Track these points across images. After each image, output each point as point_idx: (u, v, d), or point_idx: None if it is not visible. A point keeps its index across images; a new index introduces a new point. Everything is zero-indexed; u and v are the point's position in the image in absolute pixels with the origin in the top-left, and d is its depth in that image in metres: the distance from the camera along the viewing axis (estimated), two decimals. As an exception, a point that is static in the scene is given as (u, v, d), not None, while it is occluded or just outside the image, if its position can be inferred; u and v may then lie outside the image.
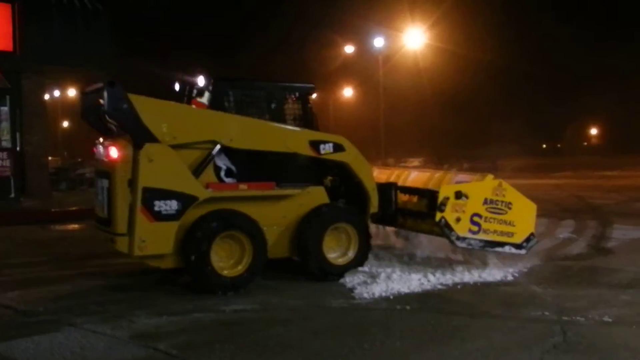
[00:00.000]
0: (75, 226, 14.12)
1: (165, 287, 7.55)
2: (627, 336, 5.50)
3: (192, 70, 8.41)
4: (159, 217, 6.89)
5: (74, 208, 17.74)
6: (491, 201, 8.01)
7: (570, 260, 8.72)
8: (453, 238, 7.87)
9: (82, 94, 8.04)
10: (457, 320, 6.06)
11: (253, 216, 7.36)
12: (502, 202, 8.05)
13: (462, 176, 8.79)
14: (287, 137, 7.81)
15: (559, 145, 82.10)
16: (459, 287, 7.38)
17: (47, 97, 25.67)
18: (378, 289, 7.07)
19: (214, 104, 7.93)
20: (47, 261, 9.36)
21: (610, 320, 5.91)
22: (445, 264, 8.31)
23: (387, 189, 8.60)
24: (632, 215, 14.30)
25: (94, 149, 7.63)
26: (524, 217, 8.19)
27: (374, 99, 42.83)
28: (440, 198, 7.79)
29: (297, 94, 8.45)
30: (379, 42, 35.54)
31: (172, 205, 6.93)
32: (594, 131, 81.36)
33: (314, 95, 8.80)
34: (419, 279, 7.51)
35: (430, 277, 7.62)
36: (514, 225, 8.11)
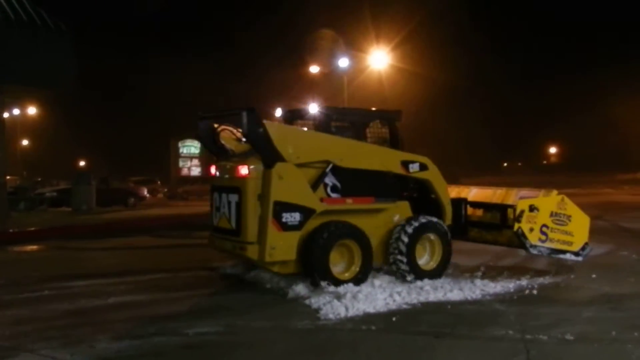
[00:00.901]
0: (34, 247, 13.80)
1: (126, 311, 7.39)
2: (589, 354, 5.58)
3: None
4: (285, 227, 7.81)
5: (32, 228, 17.35)
6: (556, 214, 9.17)
7: (533, 278, 8.82)
8: (527, 246, 8.91)
9: (200, 117, 8.83)
10: (422, 340, 6.07)
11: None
12: (564, 214, 9.25)
13: (525, 192, 9.85)
14: (384, 157, 8.91)
15: (519, 164, 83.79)
16: (424, 306, 7.40)
17: (6, 115, 25.11)
18: (344, 310, 7.04)
19: (322, 128, 8.97)
20: (4, 284, 9.08)
21: (572, 338, 5.99)
22: (411, 283, 8.33)
23: (458, 204, 9.58)
24: (592, 232, 14.57)
25: (211, 168, 8.69)
26: (580, 228, 9.40)
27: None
28: (518, 211, 8.84)
29: (386, 119, 9.56)
30: (343, 62, 35.85)
31: (296, 217, 7.89)
32: (553, 150, 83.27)
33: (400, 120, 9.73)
34: (385, 299, 7.51)
35: (396, 296, 7.63)
36: (572, 235, 9.30)
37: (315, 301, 7.45)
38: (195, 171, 56.86)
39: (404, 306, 7.37)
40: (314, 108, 8.78)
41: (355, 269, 8.20)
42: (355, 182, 8.55)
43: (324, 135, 8.72)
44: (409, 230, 8.56)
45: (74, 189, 27.04)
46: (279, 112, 67.35)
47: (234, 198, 8.01)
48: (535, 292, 8.10)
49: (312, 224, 8.04)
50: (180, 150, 57.49)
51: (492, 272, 9.23)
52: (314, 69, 42.00)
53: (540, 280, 8.79)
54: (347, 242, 8.16)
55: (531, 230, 8.92)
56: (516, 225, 8.83)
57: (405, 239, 8.52)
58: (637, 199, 30.60)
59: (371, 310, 7.13)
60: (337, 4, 74.75)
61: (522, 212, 8.87)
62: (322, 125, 9.05)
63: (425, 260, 8.81)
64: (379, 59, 36.25)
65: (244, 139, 8.30)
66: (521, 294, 8.00)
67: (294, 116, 9.75)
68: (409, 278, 8.45)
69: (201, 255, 12.01)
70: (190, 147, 58.25)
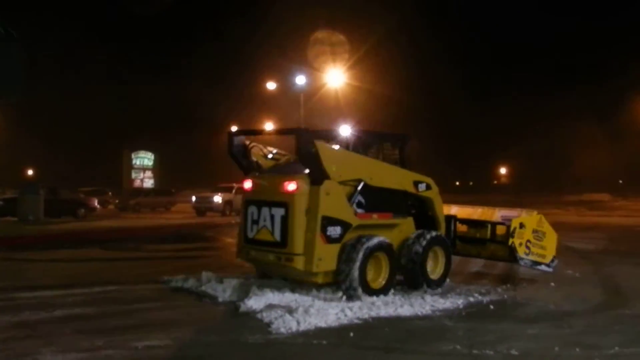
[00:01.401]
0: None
1: (73, 324, 7.22)
2: (533, 369, 5.73)
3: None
4: (329, 240, 8.37)
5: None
6: (536, 231, 10.31)
7: (481, 295, 9.00)
8: (518, 258, 9.98)
9: (233, 134, 9.50)
10: (372, 356, 6.13)
11: None
12: (541, 231, 10.41)
13: (504, 211, 11.02)
14: (401, 177, 9.62)
15: (470, 183, 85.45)
16: (375, 321, 7.47)
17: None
18: (295, 324, 7.05)
19: (354, 149, 9.50)
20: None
21: (517, 353, 6.14)
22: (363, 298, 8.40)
23: (449, 220, 10.33)
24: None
25: (245, 183, 9.09)
26: (551, 243, 10.56)
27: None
28: (512, 228, 9.90)
29: (398, 141, 10.22)
30: (300, 80, 36.05)
31: (338, 230, 8.47)
32: (503, 170, 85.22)
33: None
34: (337, 314, 7.55)
35: (348, 311, 7.68)
36: (545, 250, 10.44)
37: (267, 315, 7.43)
38: (149, 183, 56.02)
39: (356, 321, 7.42)
40: (345, 130, 9.50)
41: (382, 280, 8.78)
42: (377, 199, 9.19)
43: (358, 156, 9.36)
44: (423, 243, 9.24)
45: (20, 198, 26.34)
46: (234, 129, 67.19)
47: (279, 212, 8.42)
48: (483, 308, 8.29)
49: (348, 237, 8.61)
50: (134, 162, 56.56)
51: (444, 288, 9.40)
52: (271, 86, 42.10)
53: (489, 297, 8.97)
54: (379, 254, 8.74)
55: (520, 244, 10.02)
56: (510, 240, 9.84)
57: (420, 251, 9.18)
58: (583, 219, 31.55)
59: (323, 324, 7.16)
60: (292, 23, 75.26)
61: (515, 228, 9.91)
62: (355, 146, 9.63)
63: (431, 270, 9.47)
64: (335, 77, 36.58)
65: (271, 155, 9.45)
66: (470, 310, 8.17)
67: (324, 137, 9.84)
68: (424, 288, 9.11)
69: (152, 268, 11.88)
70: (144, 158, 57.41)
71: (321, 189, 8.32)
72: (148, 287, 9.68)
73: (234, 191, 33.97)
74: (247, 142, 9.44)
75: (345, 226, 8.57)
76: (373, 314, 7.73)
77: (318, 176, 8.39)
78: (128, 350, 6.16)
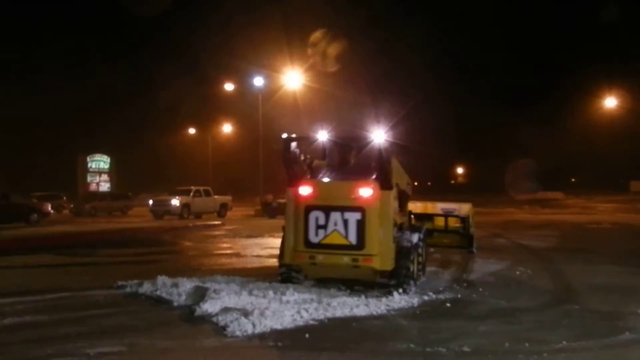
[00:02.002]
0: None
1: (23, 332, 7.06)
2: (483, 365, 5.86)
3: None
4: (393, 240, 9.14)
5: None
6: (470, 219, 12.45)
7: (436, 294, 9.14)
8: (474, 246, 12.26)
9: (286, 140, 9.87)
10: (328, 356, 6.17)
11: None
12: (472, 220, 12.60)
13: (441, 204, 12.78)
14: (405, 180, 10.73)
15: (429, 183, 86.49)
16: (330, 322, 7.51)
17: None
18: (251, 327, 7.03)
19: (343, 152, 10.19)
20: None
21: (468, 350, 6.28)
22: (319, 299, 8.44)
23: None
24: (494, 249, 15.33)
25: (301, 189, 9.11)
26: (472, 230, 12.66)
27: (254, 135, 43.12)
28: (471, 218, 11.96)
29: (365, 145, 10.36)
30: (258, 81, 35.98)
31: (396, 230, 9.35)
32: (460, 170, 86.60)
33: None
34: (292, 315, 7.56)
35: (303, 312, 7.70)
36: (473, 236, 12.63)
37: (222, 319, 7.39)
38: (105, 186, 55.05)
39: (311, 322, 7.45)
40: (380, 136, 9.52)
41: (417, 271, 9.94)
42: (400, 200, 10.15)
43: (397, 164, 10.08)
44: (421, 236, 10.24)
45: (-30, 204, 25.55)
46: (191, 131, 66.37)
47: (354, 216, 8.79)
48: (437, 306, 8.42)
49: (398, 235, 9.53)
50: (89, 165, 55.52)
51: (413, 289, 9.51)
52: (229, 87, 41.85)
53: (443, 295, 9.13)
54: (420, 247, 10.09)
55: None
56: (471, 230, 11.77)
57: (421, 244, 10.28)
58: (536, 217, 32.36)
59: (278, 326, 7.16)
60: (251, 23, 75.01)
61: (471, 219, 11.99)
62: (343, 149, 10.22)
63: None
64: (293, 79, 36.61)
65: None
66: (424, 308, 8.29)
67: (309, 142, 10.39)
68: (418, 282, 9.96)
69: (106, 273, 11.70)
70: (100, 161, 56.41)
71: (391, 194, 9.15)
72: (102, 292, 9.52)
73: (191, 194, 33.67)
74: (297, 149, 9.83)
75: (400, 227, 9.75)
76: (329, 314, 7.77)
77: (387, 183, 9.10)
78: (80, 357, 6.06)
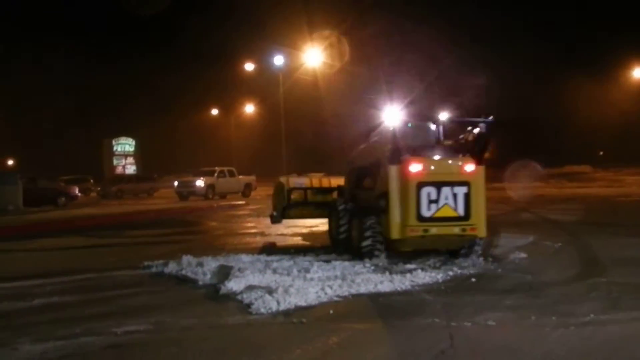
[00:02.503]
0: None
1: (51, 312, 7.19)
2: (508, 338, 5.81)
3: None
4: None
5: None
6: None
7: (460, 269, 9.08)
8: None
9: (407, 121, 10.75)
10: (352, 332, 6.16)
11: None
12: None
13: (295, 178, 13.26)
14: None
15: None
16: (355, 298, 7.51)
17: None
18: (275, 304, 7.06)
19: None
20: None
21: (494, 323, 6.21)
22: (343, 276, 8.44)
23: None
24: (519, 224, 15.18)
25: (413, 166, 9.49)
26: None
27: (276, 115, 43.10)
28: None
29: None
30: (278, 60, 35.81)
31: None
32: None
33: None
34: (316, 292, 7.57)
35: (328, 289, 7.70)
36: None
37: (247, 296, 7.43)
38: (130, 169, 55.64)
39: (335, 298, 7.45)
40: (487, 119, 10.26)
41: None
42: None
43: None
44: None
45: (-1, 188, 26.04)
46: (214, 111, 66.55)
47: (461, 190, 9.47)
48: (462, 282, 8.37)
49: None
50: (115, 148, 56.14)
51: (426, 263, 9.50)
52: (249, 67, 41.75)
53: (467, 270, 9.06)
54: None
55: None
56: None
57: None
58: (562, 191, 31.96)
59: (303, 303, 7.17)
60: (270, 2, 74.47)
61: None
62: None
63: None
64: (313, 57, 36.36)
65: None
66: (449, 284, 8.24)
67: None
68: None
69: (132, 254, 11.85)
70: (125, 144, 57.00)
71: (483, 169, 9.75)
72: (128, 273, 9.65)
73: (216, 175, 33.88)
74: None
75: None
76: (353, 291, 7.76)
77: (482, 159, 9.77)
78: (107, 336, 6.14)
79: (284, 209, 12.81)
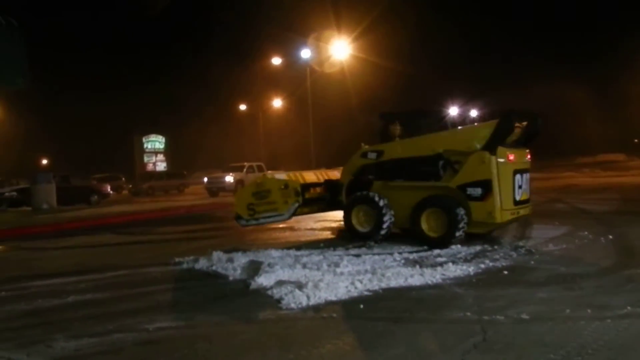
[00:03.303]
0: (-8, 249, 13.48)
1: (85, 309, 7.29)
2: (542, 332, 5.69)
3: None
4: None
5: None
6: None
7: (492, 261, 8.96)
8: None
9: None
10: (382, 326, 6.12)
11: None
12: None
13: (278, 173, 13.53)
14: None
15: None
16: (385, 292, 7.46)
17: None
18: (305, 299, 7.06)
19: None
20: (-41, 287, 8.87)
21: (527, 317, 6.11)
22: (373, 270, 8.40)
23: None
24: (552, 215, 14.93)
25: (509, 155, 10.54)
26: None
27: (304, 109, 43.08)
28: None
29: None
30: (305, 53, 35.76)
31: None
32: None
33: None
34: (346, 287, 7.55)
35: (358, 284, 7.67)
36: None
37: (277, 291, 7.45)
38: (161, 166, 56.26)
39: (366, 293, 7.41)
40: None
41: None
42: None
43: None
44: None
45: (33, 188, 26.55)
46: (242, 107, 66.85)
47: (527, 176, 11.06)
48: (494, 274, 8.25)
49: None
50: (145, 146, 56.81)
51: (457, 256, 9.38)
52: (276, 61, 41.78)
53: (499, 263, 8.93)
54: None
55: None
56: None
57: None
58: (596, 181, 31.38)
59: (333, 298, 7.15)
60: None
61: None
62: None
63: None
64: (341, 50, 36.21)
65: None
66: (481, 277, 8.13)
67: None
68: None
69: (163, 250, 11.96)
70: (155, 142, 57.66)
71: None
72: (159, 269, 9.74)
73: (245, 170, 34.07)
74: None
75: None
76: (383, 285, 7.71)
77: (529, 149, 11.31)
78: (139, 332, 6.21)
79: (299, 206, 12.48)
